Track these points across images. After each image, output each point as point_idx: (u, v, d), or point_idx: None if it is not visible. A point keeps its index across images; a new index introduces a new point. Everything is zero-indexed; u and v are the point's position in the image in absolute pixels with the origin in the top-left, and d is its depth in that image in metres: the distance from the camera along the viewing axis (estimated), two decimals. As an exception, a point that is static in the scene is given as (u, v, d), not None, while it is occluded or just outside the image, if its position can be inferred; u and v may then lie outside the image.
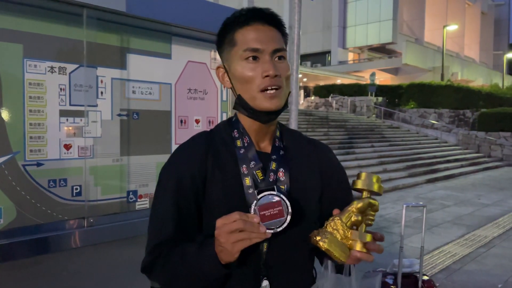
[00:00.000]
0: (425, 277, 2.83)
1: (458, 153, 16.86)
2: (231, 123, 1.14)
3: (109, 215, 2.01)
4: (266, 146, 1.12)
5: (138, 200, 2.13)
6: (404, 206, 2.77)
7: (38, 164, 1.77)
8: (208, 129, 1.18)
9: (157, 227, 1.05)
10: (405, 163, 13.28)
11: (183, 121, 2.31)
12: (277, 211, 0.88)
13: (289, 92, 1.11)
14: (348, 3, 37.22)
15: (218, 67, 1.12)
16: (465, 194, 10.02)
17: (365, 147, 14.55)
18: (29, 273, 1.77)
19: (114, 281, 2.01)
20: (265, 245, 1.02)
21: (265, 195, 0.89)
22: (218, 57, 2.46)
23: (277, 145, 1.12)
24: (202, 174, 1.05)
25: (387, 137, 16.99)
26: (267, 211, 0.88)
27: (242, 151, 1.08)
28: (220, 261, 0.91)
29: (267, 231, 0.87)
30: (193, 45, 2.32)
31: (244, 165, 1.06)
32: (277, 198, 0.89)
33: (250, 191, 1.03)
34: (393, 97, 24.59)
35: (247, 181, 1.04)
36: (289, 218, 0.89)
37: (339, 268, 0.99)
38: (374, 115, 22.80)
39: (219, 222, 0.88)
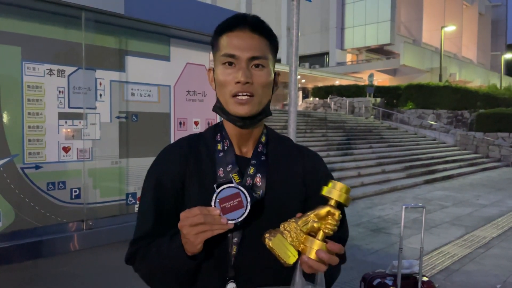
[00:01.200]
0: (425, 278, 2.84)
1: (456, 154, 16.89)
2: (216, 127, 1.17)
3: (108, 218, 2.01)
4: (248, 151, 1.13)
5: (137, 202, 2.13)
6: (403, 207, 2.78)
7: (37, 167, 1.77)
8: (198, 132, 1.21)
9: (139, 221, 1.12)
10: (404, 164, 13.30)
11: (182, 123, 2.31)
12: (236, 202, 0.92)
13: (269, 100, 1.12)
14: (346, 4, 37.29)
15: (209, 70, 1.16)
16: (464, 194, 10.03)
17: (364, 148, 14.55)
18: (28, 276, 1.77)
19: (113, 284, 2.00)
20: (234, 247, 1.04)
21: (224, 188, 0.92)
22: (215, 59, 2.47)
23: (259, 150, 1.13)
24: (181, 175, 1.10)
25: (386, 138, 17.01)
26: (227, 203, 0.91)
27: (220, 154, 1.10)
28: (186, 252, 0.95)
29: (229, 222, 0.91)
30: (191, 47, 2.32)
31: (221, 168, 1.08)
32: (235, 190, 0.92)
33: None
34: (391, 98, 24.62)
35: None
36: (249, 208, 0.92)
37: (310, 277, 0.97)
38: (372, 116, 22.83)
39: (182, 215, 0.91)
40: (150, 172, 1.15)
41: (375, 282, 2.74)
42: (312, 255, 0.90)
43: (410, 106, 23.34)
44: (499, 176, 13.89)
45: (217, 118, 2.47)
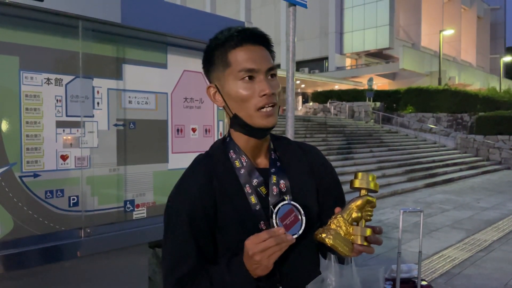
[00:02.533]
0: (424, 282, 2.84)
1: (456, 157, 16.88)
2: (226, 144, 1.16)
3: (106, 225, 2.02)
4: (262, 161, 1.15)
5: (135, 209, 2.13)
6: (401, 211, 2.78)
7: (35, 175, 1.78)
8: (204, 151, 1.19)
9: (176, 260, 1.06)
10: (404, 167, 13.29)
11: (180, 130, 2.32)
12: (293, 217, 0.99)
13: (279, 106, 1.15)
14: (345, 9, 37.43)
15: (209, 87, 1.14)
16: (464, 198, 10.02)
17: (364, 152, 14.55)
18: (26, 284, 1.77)
19: (112, 291, 2.01)
20: None
21: (280, 207, 0.98)
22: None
23: (273, 157, 1.16)
24: (212, 200, 1.08)
25: (386, 142, 17.01)
26: (287, 220, 0.98)
27: (242, 171, 1.11)
28: (253, 276, 0.97)
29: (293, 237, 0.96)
30: (188, 54, 2.34)
31: (247, 185, 1.10)
32: (289, 206, 0.99)
33: (257, 208, 1.08)
34: (391, 102, 24.66)
35: (253, 199, 1.09)
36: (304, 220, 0.99)
37: (341, 259, 1.05)
38: (372, 120, 22.85)
39: (249, 244, 0.93)
40: (177, 205, 1.09)
41: (374, 287, 2.74)
42: (362, 241, 0.99)
43: (410, 110, 23.36)
44: (500, 179, 13.87)
45: (215, 125, 2.48)
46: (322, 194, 1.20)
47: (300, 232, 0.98)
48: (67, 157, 1.88)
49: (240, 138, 1.13)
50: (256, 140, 1.12)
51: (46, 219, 1.81)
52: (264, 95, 1.05)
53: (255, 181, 1.10)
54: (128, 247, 2.06)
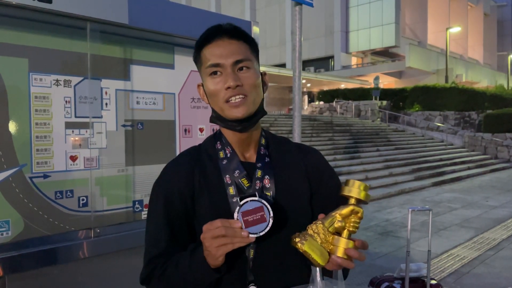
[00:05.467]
0: (433, 281, 2.82)
1: (464, 155, 16.78)
2: (215, 136, 1.19)
3: (116, 225, 2.03)
4: (251, 156, 1.16)
5: (144, 209, 2.14)
6: (410, 210, 2.77)
7: (45, 176, 1.80)
8: (197, 144, 1.22)
9: (151, 241, 1.12)
10: (411, 166, 13.23)
11: (187, 130, 2.33)
12: (259, 216, 0.92)
13: (262, 99, 1.14)
14: (350, 7, 37.32)
15: (198, 86, 1.18)
16: (473, 196, 9.95)
17: (371, 151, 14.50)
18: (37, 284, 1.79)
19: (122, 291, 2.02)
20: (251, 251, 1.06)
21: (247, 201, 0.92)
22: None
23: (262, 153, 1.15)
24: (190, 188, 1.10)
25: (393, 141, 16.94)
26: (250, 217, 0.91)
27: (224, 162, 1.12)
28: (211, 265, 0.95)
29: (251, 235, 0.91)
30: (195, 54, 2.34)
31: (227, 175, 1.10)
32: (259, 204, 0.92)
33: (234, 199, 1.07)
34: (398, 100, 24.55)
35: (231, 190, 1.08)
36: (271, 222, 0.92)
37: (330, 273, 1.01)
38: (379, 119, 22.77)
39: (205, 227, 0.93)
40: (157, 190, 1.14)
41: (383, 286, 2.73)
42: (341, 254, 0.93)
43: (417, 108, 23.24)
44: (509, 177, 13.75)
45: (222, 125, 2.49)
46: (321, 200, 1.16)
47: (262, 233, 0.91)
48: (76, 158, 1.90)
49: (226, 132, 1.15)
50: (240, 134, 1.12)
51: (56, 219, 1.83)
52: (228, 88, 1.05)
53: (236, 172, 1.10)
54: (137, 247, 2.06)
